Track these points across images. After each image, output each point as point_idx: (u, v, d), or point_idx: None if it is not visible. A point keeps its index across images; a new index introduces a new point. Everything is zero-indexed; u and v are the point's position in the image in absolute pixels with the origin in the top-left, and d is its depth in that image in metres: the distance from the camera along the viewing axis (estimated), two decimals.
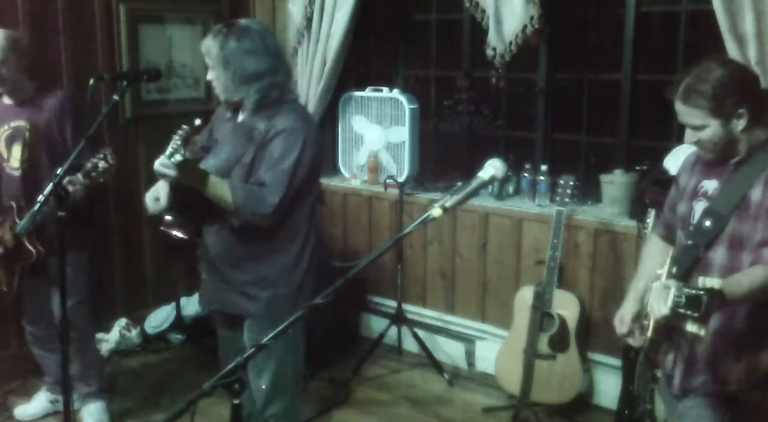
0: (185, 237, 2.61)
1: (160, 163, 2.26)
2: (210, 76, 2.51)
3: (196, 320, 4.43)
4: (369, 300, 4.55)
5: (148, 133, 4.30)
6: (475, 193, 1.80)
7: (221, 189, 2.38)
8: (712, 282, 1.71)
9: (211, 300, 2.73)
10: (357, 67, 4.68)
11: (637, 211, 3.42)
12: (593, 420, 3.63)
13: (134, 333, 4.34)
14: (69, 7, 3.93)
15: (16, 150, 3.19)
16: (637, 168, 3.71)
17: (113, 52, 4.14)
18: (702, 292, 1.69)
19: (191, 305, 4.50)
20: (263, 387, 2.60)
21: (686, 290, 1.72)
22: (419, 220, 1.76)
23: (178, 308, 4.44)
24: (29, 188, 3.12)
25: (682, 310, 1.72)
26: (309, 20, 4.37)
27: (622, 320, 2.24)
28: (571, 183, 3.48)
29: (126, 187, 4.04)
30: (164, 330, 4.45)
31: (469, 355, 4.18)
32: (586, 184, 3.93)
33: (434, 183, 4.43)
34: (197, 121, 2.31)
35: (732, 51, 3.04)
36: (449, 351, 4.25)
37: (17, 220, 3.10)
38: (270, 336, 1.69)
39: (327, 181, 4.54)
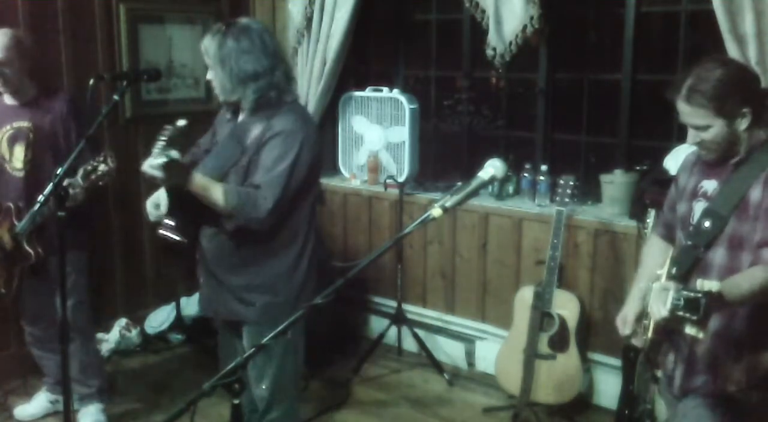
0: (183, 241, 2.59)
1: (147, 164, 2.26)
2: (209, 75, 2.50)
3: (196, 320, 4.43)
4: (369, 300, 4.55)
5: (148, 133, 4.24)
6: (475, 193, 1.80)
7: (213, 192, 2.36)
8: (710, 284, 1.71)
9: (209, 306, 2.71)
10: (357, 67, 4.68)
11: (637, 211, 3.42)
12: (593, 420, 3.63)
13: (134, 333, 4.34)
14: (69, 7, 3.93)
15: (18, 150, 3.19)
16: (637, 168, 3.70)
17: (113, 52, 4.14)
18: (700, 295, 1.69)
19: (191, 305, 4.50)
20: (264, 390, 2.58)
21: (684, 293, 1.72)
22: (419, 220, 1.76)
23: (178, 308, 4.44)
24: (31, 189, 3.11)
25: (680, 313, 1.72)
26: (309, 20, 4.37)
27: (625, 320, 2.24)
28: (571, 183, 3.48)
29: (126, 187, 4.04)
30: (164, 330, 4.45)
31: (469, 355, 4.18)
32: (586, 184, 3.93)
33: (434, 183, 4.43)
34: (180, 122, 2.29)
35: (732, 51, 3.03)
36: (449, 351, 4.25)
37: (15, 222, 3.10)
38: (269, 336, 1.69)
39: (327, 181, 4.54)
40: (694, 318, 1.70)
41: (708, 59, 2.08)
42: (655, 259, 2.31)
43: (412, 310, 4.32)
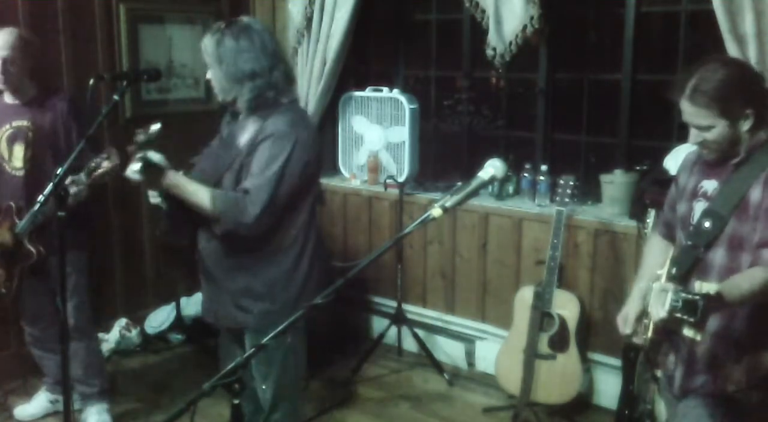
0: (182, 242, 2.58)
1: (128, 170, 2.28)
2: (208, 74, 2.47)
3: (196, 320, 4.42)
4: (369, 300, 4.55)
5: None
6: (475, 193, 1.80)
7: (200, 196, 2.33)
8: (708, 287, 1.71)
9: (209, 311, 2.67)
10: (357, 67, 4.68)
11: (637, 211, 3.42)
12: (593, 420, 3.63)
13: (134, 333, 4.34)
14: (69, 7, 3.93)
15: (18, 150, 3.19)
16: (637, 168, 3.71)
17: (113, 52, 4.14)
18: (698, 297, 1.69)
19: (191, 305, 4.50)
20: (266, 393, 2.56)
21: (683, 294, 1.71)
22: (419, 220, 1.76)
23: (178, 308, 4.44)
24: (31, 189, 3.12)
25: (678, 314, 1.72)
26: (309, 20, 4.37)
27: (626, 320, 2.24)
28: (571, 183, 3.48)
29: (126, 187, 4.02)
30: (164, 330, 4.45)
31: (469, 355, 4.19)
32: (586, 184, 3.93)
33: (434, 183, 4.43)
34: (154, 126, 2.26)
35: (732, 51, 3.03)
36: (449, 351, 4.25)
37: (16, 221, 3.10)
38: (269, 336, 1.69)
39: (327, 181, 4.54)
40: (692, 320, 1.70)
41: (711, 59, 2.08)
42: (656, 258, 2.31)
43: (412, 310, 4.32)
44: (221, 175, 2.45)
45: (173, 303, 4.45)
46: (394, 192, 4.21)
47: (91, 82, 2.57)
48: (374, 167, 4.46)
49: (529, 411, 3.58)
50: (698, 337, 1.73)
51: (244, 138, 2.44)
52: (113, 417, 3.55)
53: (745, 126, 2.02)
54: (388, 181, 4.22)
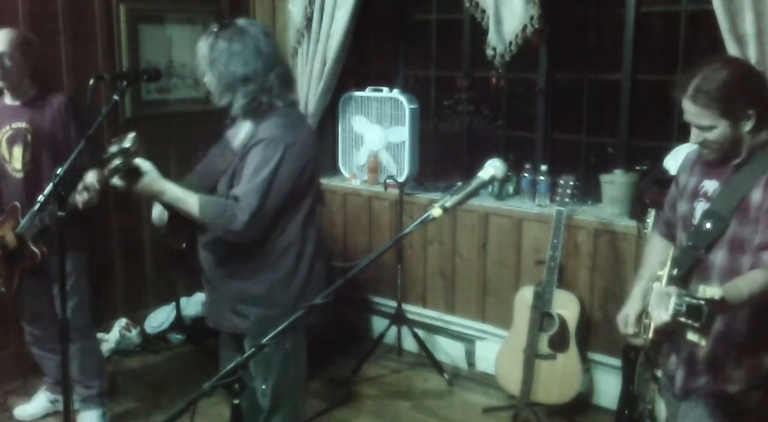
0: (183, 245, 2.58)
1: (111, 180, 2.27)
2: (204, 77, 2.43)
3: (196, 320, 4.43)
4: (369, 300, 4.55)
5: (148, 133, 4.28)
6: (475, 193, 1.80)
7: (188, 202, 2.31)
8: (712, 291, 1.69)
9: (211, 316, 2.64)
10: (357, 67, 4.68)
11: (637, 211, 3.42)
12: (593, 420, 3.63)
13: (134, 333, 4.34)
14: (69, 7, 3.93)
15: (17, 151, 3.19)
16: (637, 168, 3.71)
17: (113, 52, 4.14)
18: (702, 302, 1.67)
19: (191, 305, 4.51)
20: (265, 396, 2.54)
21: (687, 299, 1.69)
22: (419, 220, 1.76)
23: (178, 308, 4.44)
24: (31, 190, 3.12)
25: (682, 319, 1.69)
26: (309, 20, 4.37)
27: (627, 320, 2.24)
28: (571, 183, 3.48)
29: None
30: (164, 330, 4.45)
31: (469, 355, 4.19)
32: (586, 184, 3.93)
33: (434, 183, 4.43)
34: (129, 137, 2.19)
35: (732, 51, 3.03)
36: (449, 351, 4.25)
37: (20, 221, 3.10)
38: (270, 336, 1.69)
39: (327, 181, 4.55)
40: (696, 325, 1.68)
41: (714, 59, 2.07)
42: (657, 258, 2.31)
43: (412, 310, 4.32)
44: (217, 180, 2.44)
45: (173, 303, 4.45)
46: (394, 192, 4.21)
47: (91, 82, 2.57)
48: (374, 167, 4.46)
49: (529, 411, 3.58)
50: (703, 342, 1.70)
51: (238, 142, 2.42)
52: (114, 417, 3.56)
53: (747, 126, 2.01)
54: (388, 181, 4.22)
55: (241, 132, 2.43)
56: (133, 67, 4.15)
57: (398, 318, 4.21)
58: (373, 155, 4.47)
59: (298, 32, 4.44)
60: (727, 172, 2.08)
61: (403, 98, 4.34)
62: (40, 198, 2.61)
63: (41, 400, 3.62)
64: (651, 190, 3.22)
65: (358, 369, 4.10)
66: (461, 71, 4.36)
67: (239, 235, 2.31)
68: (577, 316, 3.51)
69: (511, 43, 3.66)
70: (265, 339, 1.69)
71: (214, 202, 2.33)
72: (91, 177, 2.65)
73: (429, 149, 4.54)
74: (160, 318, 4.47)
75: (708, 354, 2.08)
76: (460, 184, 1.82)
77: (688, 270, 2.09)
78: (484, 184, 1.82)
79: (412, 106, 4.34)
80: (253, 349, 1.69)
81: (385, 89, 4.42)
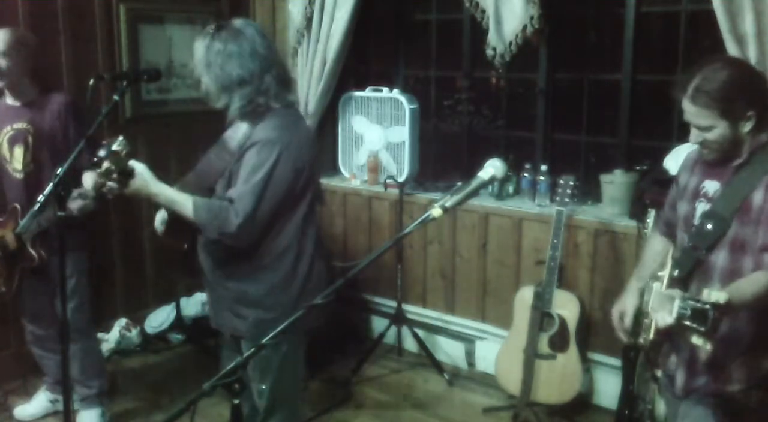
0: (183, 246, 2.57)
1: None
2: (201, 79, 2.41)
3: (196, 320, 4.43)
4: (369, 300, 4.55)
5: (148, 133, 4.30)
6: (475, 193, 1.80)
7: (182, 205, 2.29)
8: (717, 296, 1.67)
9: (213, 318, 2.62)
10: (357, 67, 4.68)
11: (637, 211, 3.43)
12: (593, 420, 3.63)
13: (134, 333, 4.34)
14: (69, 7, 3.93)
15: (18, 152, 3.19)
16: (637, 168, 3.71)
17: (113, 52, 4.14)
18: (707, 306, 1.65)
19: (191, 305, 4.51)
20: (263, 399, 2.53)
21: (691, 303, 1.68)
22: (419, 220, 1.76)
23: (178, 308, 4.44)
24: (32, 190, 3.12)
25: (687, 322, 1.68)
26: (309, 20, 4.37)
27: (624, 314, 2.23)
28: (571, 183, 3.48)
29: None
30: (164, 330, 4.45)
31: (469, 355, 4.19)
32: (586, 184, 3.93)
33: (434, 183, 4.43)
34: (118, 141, 2.19)
35: (732, 51, 3.03)
36: (449, 351, 4.25)
37: (20, 221, 3.10)
38: (270, 335, 1.69)
39: (327, 181, 4.55)
40: (702, 329, 1.66)
41: (715, 59, 2.07)
42: (656, 256, 2.32)
43: (412, 310, 4.32)
44: (215, 181, 2.43)
45: (173, 303, 4.45)
46: (394, 192, 4.21)
47: (91, 82, 2.57)
48: (374, 167, 4.46)
49: (529, 411, 3.58)
50: (708, 347, 1.68)
51: (234, 143, 2.41)
52: (113, 417, 3.56)
53: (747, 127, 2.01)
54: (388, 181, 4.22)
55: (238, 133, 2.42)
56: (133, 67, 4.15)
57: (398, 318, 4.21)
58: (373, 155, 4.47)
59: (298, 32, 4.44)
60: (728, 172, 2.08)
61: (403, 98, 4.34)
62: (40, 198, 2.61)
63: (41, 400, 3.62)
64: (651, 190, 3.22)
65: (358, 369, 4.10)
66: (461, 71, 4.36)
67: (234, 238, 2.30)
68: (577, 316, 3.51)
69: (511, 43, 3.66)
70: (265, 339, 1.68)
71: (209, 204, 2.32)
72: (86, 182, 2.65)
73: (429, 149, 4.54)
74: (160, 318, 4.47)
75: (709, 355, 2.08)
76: (460, 184, 1.82)
77: (689, 271, 2.09)
78: (484, 184, 1.82)
79: (412, 106, 4.34)
80: (252, 349, 1.69)
81: (385, 89, 4.42)
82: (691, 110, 2.03)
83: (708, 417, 2.11)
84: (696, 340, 1.70)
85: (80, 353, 3.33)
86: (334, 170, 4.70)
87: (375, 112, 4.46)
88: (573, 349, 3.50)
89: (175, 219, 2.41)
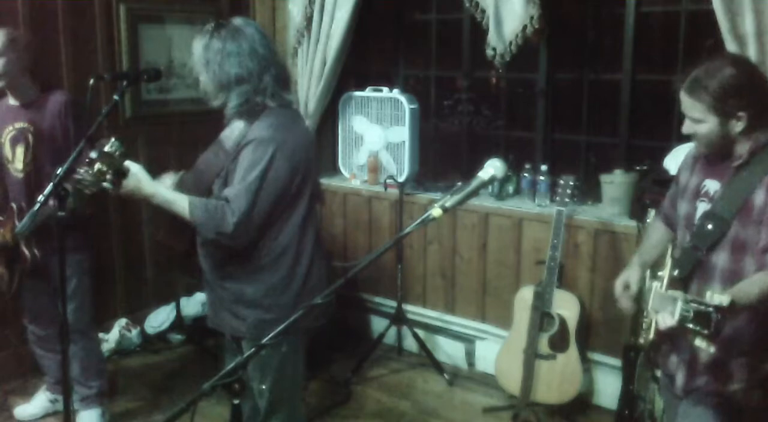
0: (182, 247, 2.57)
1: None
2: (200, 78, 2.40)
3: (196, 320, 4.43)
4: (369, 300, 4.55)
5: (148, 133, 4.30)
6: (475, 193, 1.80)
7: (178, 206, 2.29)
8: (720, 298, 1.66)
9: (213, 318, 2.61)
10: (357, 67, 4.68)
11: (637, 211, 3.43)
12: (593, 420, 3.63)
13: (134, 333, 4.34)
14: (69, 7, 3.93)
15: (20, 151, 3.19)
16: (637, 168, 3.71)
17: (113, 52, 4.14)
18: (711, 309, 1.65)
19: (191, 305, 4.51)
20: (263, 400, 2.53)
21: (694, 305, 1.67)
22: (419, 220, 1.76)
23: (178, 308, 4.44)
24: (32, 190, 3.12)
25: (689, 325, 1.67)
26: (309, 20, 4.37)
27: (628, 284, 2.22)
28: (571, 183, 3.48)
29: None
30: (164, 330, 4.45)
31: (469, 355, 4.19)
32: (586, 184, 3.93)
33: (434, 183, 4.43)
34: (111, 142, 2.17)
35: (732, 51, 3.03)
36: (449, 351, 4.25)
37: (17, 222, 3.10)
38: (270, 335, 1.69)
39: (327, 181, 4.55)
40: (705, 332, 1.66)
41: (724, 55, 2.09)
42: (658, 240, 2.35)
43: (412, 310, 4.32)
44: (212, 181, 2.42)
45: (173, 303, 4.45)
46: (394, 192, 4.21)
47: (91, 82, 2.57)
48: (374, 167, 4.46)
49: (529, 411, 3.58)
50: (711, 349, 1.68)
51: (231, 142, 2.40)
52: (113, 417, 3.56)
53: (737, 128, 2.02)
54: (388, 181, 4.22)
55: (234, 132, 2.41)
56: (133, 67, 4.15)
57: (398, 318, 4.21)
58: (373, 155, 4.47)
59: (298, 32, 4.44)
60: (729, 172, 2.09)
61: (403, 98, 4.34)
62: (40, 198, 2.61)
63: (41, 400, 3.62)
64: (651, 190, 3.22)
65: (358, 369, 4.10)
66: (461, 71, 4.36)
67: (230, 238, 2.29)
68: (577, 316, 3.51)
69: (511, 43, 3.66)
70: (265, 339, 1.69)
71: (205, 203, 2.31)
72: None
73: (429, 149, 4.54)
74: (160, 318, 4.47)
75: (710, 355, 2.08)
76: (460, 184, 1.82)
77: (689, 271, 2.09)
78: (484, 184, 1.82)
79: (412, 106, 4.34)
80: (252, 349, 1.69)
81: (385, 89, 4.42)
82: (686, 101, 2.05)
83: (708, 416, 2.11)
84: (699, 343, 1.69)
85: (80, 353, 3.33)
86: (334, 170, 4.70)
87: (375, 112, 4.46)
88: (573, 349, 3.50)
89: (174, 219, 2.41)
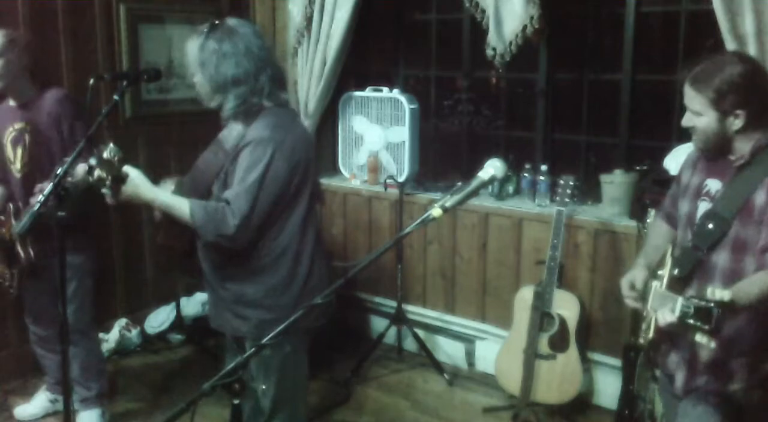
0: (182, 248, 2.57)
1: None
2: (194, 79, 2.39)
3: (196, 320, 4.43)
4: (369, 300, 4.55)
5: (148, 133, 4.30)
6: (475, 193, 1.80)
7: (178, 209, 2.29)
8: (721, 294, 1.67)
9: (214, 319, 2.62)
10: (357, 67, 4.68)
11: (637, 211, 3.43)
12: (593, 420, 3.63)
13: (134, 333, 4.34)
14: (69, 7, 3.93)
15: (20, 152, 3.20)
16: (637, 168, 3.71)
17: (113, 52, 4.14)
18: (712, 304, 1.66)
19: (191, 305, 4.51)
20: (265, 400, 2.53)
21: (695, 301, 1.68)
22: (419, 220, 1.76)
23: (178, 308, 4.44)
24: (29, 189, 3.12)
25: (690, 321, 1.68)
26: (309, 20, 4.37)
27: (634, 281, 2.23)
28: (571, 183, 3.48)
29: None
30: (164, 330, 4.45)
31: (469, 355, 4.19)
32: (586, 183, 3.93)
33: (434, 183, 4.43)
34: (109, 148, 2.18)
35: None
36: (449, 351, 4.25)
37: (13, 222, 3.10)
38: (270, 335, 1.69)
39: (327, 181, 4.55)
40: (706, 327, 1.66)
41: (730, 52, 2.09)
42: (660, 239, 2.34)
43: (412, 310, 4.32)
44: (211, 182, 2.42)
45: (173, 303, 4.45)
46: (394, 192, 4.21)
47: (91, 82, 2.57)
48: (374, 167, 4.46)
49: (529, 411, 3.58)
50: (712, 345, 1.69)
51: (229, 144, 2.39)
52: (114, 417, 3.56)
53: (734, 126, 2.02)
54: (388, 181, 4.22)
55: (232, 133, 2.40)
56: (133, 67, 4.15)
57: (398, 318, 4.21)
58: (373, 155, 4.47)
59: (298, 32, 4.44)
60: (730, 171, 2.09)
61: (403, 98, 4.34)
62: (40, 198, 2.61)
63: (41, 400, 3.62)
64: (651, 190, 3.22)
65: (358, 369, 4.10)
66: (461, 71, 4.36)
67: (231, 240, 2.29)
68: (577, 316, 3.51)
69: (511, 43, 3.66)
70: (266, 339, 1.69)
71: (205, 206, 2.30)
72: (77, 173, 2.65)
73: (429, 149, 4.54)
74: (160, 318, 4.47)
75: (709, 354, 2.08)
76: (460, 184, 1.82)
77: (690, 270, 2.09)
78: (484, 184, 1.82)
79: (412, 106, 4.34)
80: (252, 349, 1.69)
81: (385, 89, 4.42)
82: (688, 93, 2.07)
83: (708, 416, 2.11)
84: (700, 338, 1.70)
85: (81, 354, 3.33)
86: (334, 170, 4.70)
87: (375, 112, 4.46)
88: (573, 349, 3.50)
89: (173, 222, 2.40)
